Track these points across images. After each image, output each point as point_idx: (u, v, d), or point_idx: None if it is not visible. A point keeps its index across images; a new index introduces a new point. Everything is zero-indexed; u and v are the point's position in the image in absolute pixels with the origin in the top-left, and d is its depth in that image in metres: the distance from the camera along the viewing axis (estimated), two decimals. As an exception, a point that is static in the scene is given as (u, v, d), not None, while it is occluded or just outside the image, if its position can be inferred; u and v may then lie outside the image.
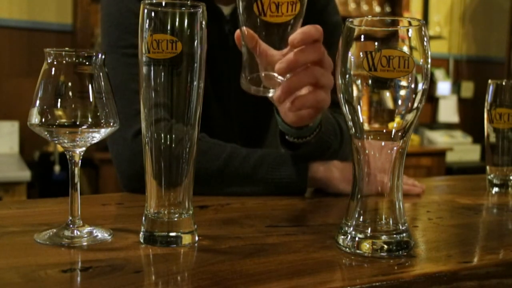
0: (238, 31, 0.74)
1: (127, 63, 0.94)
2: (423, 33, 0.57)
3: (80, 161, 0.62)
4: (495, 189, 1.03)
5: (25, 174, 2.43)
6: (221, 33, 1.07)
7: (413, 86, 0.57)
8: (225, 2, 1.07)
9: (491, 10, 4.56)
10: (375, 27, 0.57)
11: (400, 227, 0.60)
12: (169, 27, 0.57)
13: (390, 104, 0.58)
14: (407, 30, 0.57)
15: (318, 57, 0.75)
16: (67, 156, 0.62)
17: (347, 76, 0.58)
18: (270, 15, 0.68)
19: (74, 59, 0.60)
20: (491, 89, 1.03)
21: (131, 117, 0.89)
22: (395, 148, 0.59)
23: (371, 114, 0.59)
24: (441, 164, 3.75)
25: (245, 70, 0.75)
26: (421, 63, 0.57)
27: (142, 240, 0.60)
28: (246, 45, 0.73)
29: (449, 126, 4.25)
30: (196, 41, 0.58)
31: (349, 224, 0.60)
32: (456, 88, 4.40)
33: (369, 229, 0.59)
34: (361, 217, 0.60)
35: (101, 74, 0.61)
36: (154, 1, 0.58)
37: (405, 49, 0.57)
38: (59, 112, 0.59)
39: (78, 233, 0.61)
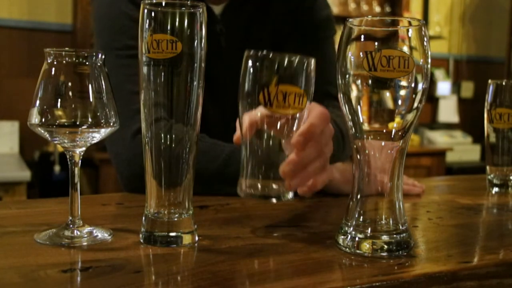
0: (238, 133, 0.65)
1: (121, 65, 0.95)
2: (423, 33, 0.57)
3: (80, 161, 0.62)
4: (495, 189, 1.03)
5: (25, 174, 2.43)
6: (212, 33, 1.07)
7: (413, 86, 0.57)
8: (216, 2, 1.07)
9: (491, 10, 4.56)
10: (375, 27, 0.57)
11: (400, 227, 0.60)
12: (169, 27, 0.57)
13: (390, 104, 0.58)
14: (407, 30, 0.57)
15: (319, 151, 0.68)
16: (67, 156, 0.62)
17: (347, 76, 0.58)
18: (277, 105, 0.61)
19: (74, 59, 0.60)
20: (491, 89, 1.03)
21: (128, 118, 0.90)
22: (395, 148, 0.59)
23: (371, 114, 0.59)
24: (441, 164, 3.75)
25: (243, 173, 0.63)
26: (421, 63, 0.57)
27: (142, 240, 0.60)
28: (245, 139, 0.63)
29: (449, 126, 4.25)
30: (196, 41, 0.58)
31: (349, 224, 0.60)
32: (456, 88, 4.40)
33: (369, 229, 0.59)
34: (361, 217, 0.60)
35: (101, 74, 0.61)
36: (154, 1, 0.58)
37: (405, 49, 0.57)
38: (59, 112, 0.59)
39: (78, 233, 0.61)
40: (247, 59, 0.63)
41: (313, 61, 0.63)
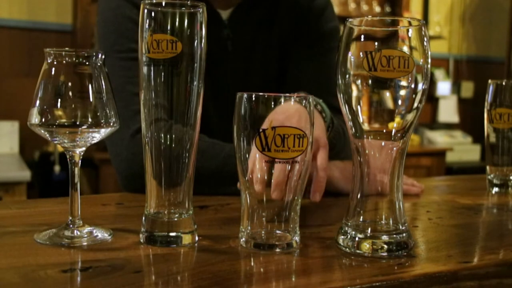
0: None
1: (123, 67, 0.96)
2: (423, 33, 0.57)
3: (80, 161, 0.62)
4: (495, 189, 1.03)
5: (25, 174, 2.43)
6: (220, 37, 1.09)
7: (413, 86, 0.57)
8: (224, 7, 1.08)
9: (491, 10, 4.56)
10: (375, 27, 0.57)
11: (400, 227, 0.60)
12: (169, 27, 0.57)
13: (390, 104, 0.58)
14: (407, 30, 0.57)
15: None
16: (67, 156, 0.62)
17: (347, 76, 0.58)
18: (275, 150, 0.57)
19: (74, 59, 0.60)
20: (491, 89, 1.03)
21: (128, 118, 0.90)
22: (395, 148, 0.59)
23: (371, 114, 0.59)
24: (441, 164, 3.75)
25: (243, 221, 0.61)
26: (421, 63, 0.57)
27: (142, 240, 0.60)
28: (244, 185, 0.61)
29: (449, 126, 4.25)
30: (196, 41, 0.58)
31: (349, 224, 0.60)
32: (456, 88, 4.40)
33: (369, 229, 0.59)
34: (361, 217, 0.60)
35: (101, 74, 0.61)
36: (154, 1, 0.58)
37: (405, 49, 0.57)
38: (59, 112, 0.59)
39: (78, 233, 0.61)
40: (240, 100, 0.58)
41: (311, 99, 0.59)
